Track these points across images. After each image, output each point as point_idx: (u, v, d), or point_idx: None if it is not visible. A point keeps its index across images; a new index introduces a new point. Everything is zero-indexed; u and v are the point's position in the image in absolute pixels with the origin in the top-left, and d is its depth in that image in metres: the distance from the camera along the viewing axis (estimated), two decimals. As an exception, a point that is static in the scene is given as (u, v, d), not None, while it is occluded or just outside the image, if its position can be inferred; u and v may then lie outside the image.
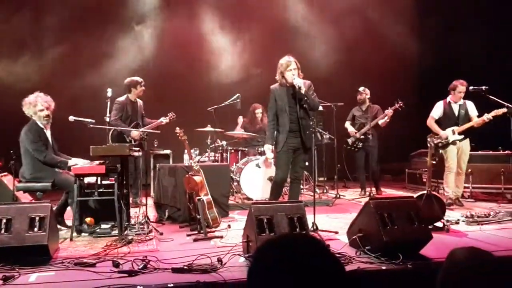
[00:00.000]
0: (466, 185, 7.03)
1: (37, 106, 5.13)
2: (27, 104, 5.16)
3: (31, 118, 5.19)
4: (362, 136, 7.71)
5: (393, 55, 10.09)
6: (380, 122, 7.60)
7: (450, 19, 9.49)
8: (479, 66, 8.53)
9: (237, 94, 7.25)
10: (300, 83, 5.07)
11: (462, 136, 6.53)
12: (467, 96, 6.58)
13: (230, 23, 9.70)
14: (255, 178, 6.97)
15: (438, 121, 6.71)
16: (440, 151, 6.55)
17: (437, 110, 6.73)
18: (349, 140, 7.89)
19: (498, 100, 5.98)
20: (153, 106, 7.41)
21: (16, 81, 8.17)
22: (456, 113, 6.60)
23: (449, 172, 6.56)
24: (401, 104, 7.51)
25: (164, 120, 6.88)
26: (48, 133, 5.28)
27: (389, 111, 7.53)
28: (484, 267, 1.24)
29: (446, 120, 6.65)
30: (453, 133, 6.52)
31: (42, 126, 5.19)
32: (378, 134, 7.80)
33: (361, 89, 7.85)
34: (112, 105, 6.26)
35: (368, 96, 7.80)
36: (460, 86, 6.50)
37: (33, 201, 5.40)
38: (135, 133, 6.63)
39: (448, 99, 6.67)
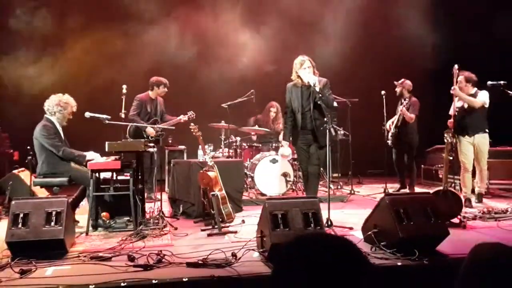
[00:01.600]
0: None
1: (69, 108, 5.31)
2: (60, 102, 5.26)
3: (47, 115, 5.26)
4: (394, 131, 7.35)
5: (408, 50, 9.96)
6: (406, 115, 7.16)
7: (468, 12, 9.31)
8: (495, 60, 8.37)
9: (252, 90, 7.26)
10: (315, 80, 5.08)
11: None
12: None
13: (248, 19, 9.67)
14: (269, 174, 6.97)
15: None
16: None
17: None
18: (388, 134, 7.54)
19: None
20: (169, 102, 7.44)
21: (33, 79, 8.26)
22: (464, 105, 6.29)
23: (462, 170, 6.30)
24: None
25: (183, 118, 6.94)
26: (61, 131, 5.35)
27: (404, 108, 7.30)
28: (510, 264, 1.21)
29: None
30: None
31: (56, 124, 5.27)
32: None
33: (400, 81, 7.43)
34: (127, 101, 6.31)
35: (406, 88, 7.35)
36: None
37: (49, 196, 5.47)
38: (150, 130, 6.69)
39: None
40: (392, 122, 7.42)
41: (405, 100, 7.24)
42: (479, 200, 6.42)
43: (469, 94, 6.22)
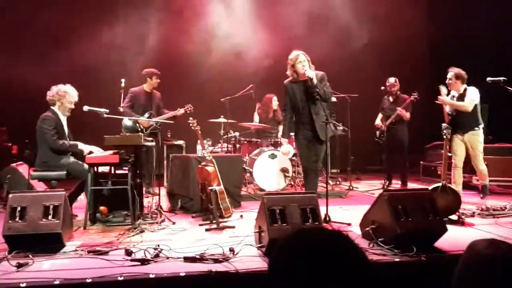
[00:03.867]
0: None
1: (67, 98, 5.28)
2: (58, 91, 5.25)
3: (51, 106, 5.25)
4: (389, 127, 7.46)
5: (407, 44, 9.95)
6: (404, 114, 7.30)
7: (468, 4, 9.25)
8: (496, 54, 8.33)
9: (251, 85, 7.24)
10: (312, 74, 5.06)
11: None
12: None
13: (248, 12, 9.63)
14: (268, 169, 6.96)
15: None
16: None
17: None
18: (377, 132, 7.71)
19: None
20: (167, 96, 7.41)
21: (31, 72, 8.22)
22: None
23: (453, 167, 6.16)
24: (416, 96, 7.32)
25: (180, 110, 6.90)
26: (64, 123, 5.34)
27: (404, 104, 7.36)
28: (506, 259, 1.20)
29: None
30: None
31: (60, 116, 5.26)
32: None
33: (392, 80, 7.55)
34: (126, 95, 6.31)
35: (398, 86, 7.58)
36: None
37: (47, 189, 5.46)
38: (141, 120, 6.65)
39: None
40: (381, 120, 7.51)
41: (392, 96, 7.48)
42: (485, 193, 6.40)
43: (458, 91, 6.17)
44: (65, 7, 8.81)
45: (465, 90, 6.13)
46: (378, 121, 7.70)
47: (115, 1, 9.33)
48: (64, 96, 5.28)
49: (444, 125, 5.57)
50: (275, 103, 7.98)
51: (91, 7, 9.04)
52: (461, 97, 6.13)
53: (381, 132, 7.59)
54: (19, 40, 8.59)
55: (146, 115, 6.71)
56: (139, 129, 6.63)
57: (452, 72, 6.15)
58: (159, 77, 6.97)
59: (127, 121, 6.59)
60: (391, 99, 7.57)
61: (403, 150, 7.52)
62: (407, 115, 7.32)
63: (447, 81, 6.11)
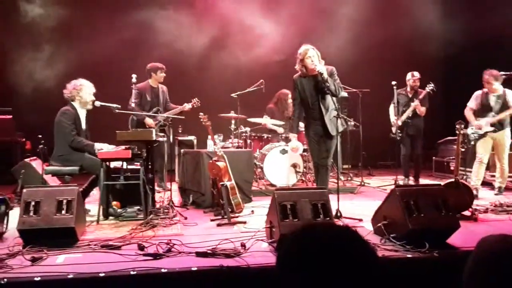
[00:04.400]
0: (494, 173, 6.75)
1: (86, 89, 5.30)
2: (75, 85, 5.29)
3: (70, 101, 5.30)
4: (405, 121, 7.31)
5: (419, 38, 9.83)
6: (419, 108, 7.18)
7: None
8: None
9: (261, 80, 7.21)
10: (322, 68, 5.03)
11: (493, 128, 6.23)
12: (507, 84, 6.29)
13: (259, 7, 9.59)
14: (279, 165, 6.95)
15: (476, 111, 6.44)
16: (472, 142, 6.35)
17: (474, 100, 6.44)
18: (393, 128, 7.48)
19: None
20: (177, 91, 7.42)
21: (44, 69, 8.30)
22: (493, 104, 6.28)
23: (478, 163, 6.29)
24: (433, 88, 7.11)
25: (187, 106, 6.87)
26: (83, 118, 5.37)
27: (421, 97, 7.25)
28: None
29: (482, 110, 6.37)
30: (487, 124, 6.26)
31: (79, 111, 5.30)
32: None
33: (416, 74, 7.34)
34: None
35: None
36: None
37: (61, 184, 5.52)
38: (149, 121, 6.63)
39: (486, 89, 6.37)
40: (397, 116, 7.38)
41: (411, 92, 7.33)
42: (500, 191, 6.39)
43: (497, 91, 6.26)
44: (77, 3, 8.87)
45: (503, 91, 6.28)
46: (393, 118, 7.46)
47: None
48: (82, 89, 5.30)
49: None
50: (290, 101, 7.92)
51: (101, 2, 9.07)
52: (499, 98, 6.27)
53: (397, 128, 7.40)
54: (31, 36, 8.65)
55: (154, 111, 6.72)
56: (147, 127, 6.61)
57: (489, 75, 6.21)
58: (164, 71, 6.89)
59: (135, 120, 6.60)
60: (409, 95, 7.37)
61: (418, 145, 7.40)
62: (422, 109, 7.14)
63: (487, 85, 6.26)
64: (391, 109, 7.45)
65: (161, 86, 6.98)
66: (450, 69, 10.25)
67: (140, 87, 6.70)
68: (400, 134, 7.25)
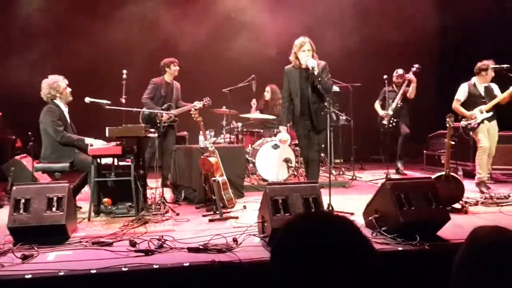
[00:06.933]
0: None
1: (61, 84, 5.29)
2: (51, 85, 5.26)
3: (51, 100, 5.26)
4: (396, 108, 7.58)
5: (411, 33, 9.83)
6: (409, 91, 7.51)
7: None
8: (503, 44, 8.24)
9: (252, 75, 7.19)
10: (314, 64, 5.01)
11: (491, 113, 6.24)
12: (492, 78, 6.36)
13: (250, 2, 9.55)
14: (271, 160, 6.95)
15: (463, 104, 6.44)
16: (470, 133, 6.34)
17: (462, 92, 6.44)
18: (384, 122, 7.64)
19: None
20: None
21: (33, 67, 8.22)
22: (483, 93, 6.32)
23: (482, 152, 6.20)
24: (418, 66, 7.44)
25: (198, 104, 6.81)
26: (67, 114, 5.35)
27: (409, 76, 7.50)
28: (509, 247, 1.19)
29: (472, 101, 6.38)
30: (481, 112, 6.26)
31: (62, 107, 5.26)
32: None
33: (400, 71, 7.76)
34: (127, 86, 6.29)
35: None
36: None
37: (51, 181, 5.47)
38: (164, 116, 6.54)
39: (473, 80, 6.39)
40: (387, 109, 7.56)
41: (398, 88, 7.69)
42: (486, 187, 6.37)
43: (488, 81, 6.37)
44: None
45: (488, 85, 6.38)
46: (381, 112, 7.68)
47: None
48: (58, 85, 5.27)
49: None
50: (266, 94, 7.98)
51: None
52: (486, 89, 6.35)
53: (389, 118, 7.53)
54: (21, 35, 8.56)
55: (165, 106, 6.70)
56: (158, 121, 6.56)
57: (490, 65, 6.26)
58: (177, 64, 6.91)
59: (146, 113, 6.56)
60: (397, 90, 7.62)
61: (407, 133, 7.74)
62: (410, 89, 7.48)
63: (487, 76, 6.29)
64: (377, 106, 7.69)
65: (175, 82, 7.00)
66: (441, 63, 10.29)
67: (156, 82, 6.80)
68: (395, 121, 7.41)
